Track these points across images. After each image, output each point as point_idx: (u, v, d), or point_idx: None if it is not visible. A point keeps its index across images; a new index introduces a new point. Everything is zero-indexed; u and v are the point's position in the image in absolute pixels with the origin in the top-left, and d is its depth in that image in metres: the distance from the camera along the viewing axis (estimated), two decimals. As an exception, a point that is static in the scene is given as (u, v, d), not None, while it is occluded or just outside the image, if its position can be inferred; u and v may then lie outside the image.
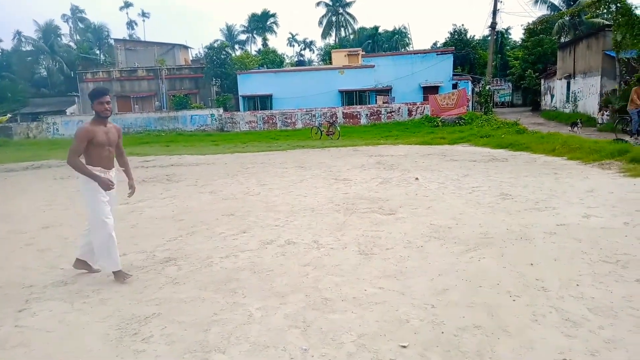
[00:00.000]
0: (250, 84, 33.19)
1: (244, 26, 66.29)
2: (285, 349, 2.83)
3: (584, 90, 25.29)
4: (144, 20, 65.99)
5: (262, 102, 33.36)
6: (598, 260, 4.04)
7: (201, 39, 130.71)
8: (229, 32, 65.18)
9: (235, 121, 30.54)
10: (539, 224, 5.25)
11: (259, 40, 65.92)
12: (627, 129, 12.39)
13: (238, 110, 33.22)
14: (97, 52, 53.28)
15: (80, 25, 58.10)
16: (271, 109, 32.23)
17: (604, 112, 20.58)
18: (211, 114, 30.99)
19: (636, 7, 18.17)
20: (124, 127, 31.13)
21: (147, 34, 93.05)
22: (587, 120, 21.36)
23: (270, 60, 45.09)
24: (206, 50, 38.41)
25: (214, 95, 37.04)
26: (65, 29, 57.55)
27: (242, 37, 66.94)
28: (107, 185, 4.04)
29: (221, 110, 31.35)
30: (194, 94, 36.28)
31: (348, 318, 3.20)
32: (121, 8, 63.77)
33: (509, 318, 3.08)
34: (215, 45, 39.17)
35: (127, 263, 4.60)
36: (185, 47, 44.13)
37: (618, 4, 18.25)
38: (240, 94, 33.35)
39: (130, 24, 64.81)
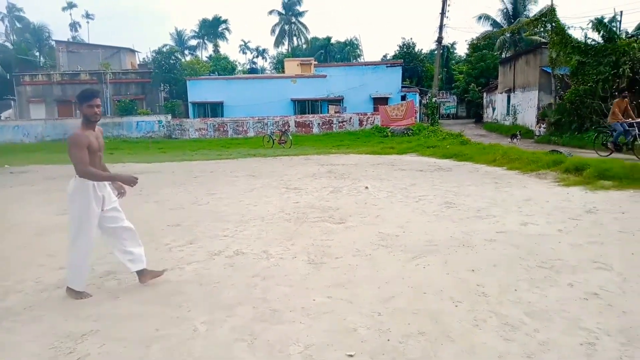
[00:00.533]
0: (200, 91, 32.60)
1: (195, 31, 65.16)
2: (230, 363, 2.76)
3: (523, 103, 26.80)
4: (88, 22, 63.46)
5: (213, 109, 32.83)
6: (535, 265, 4.25)
7: (149, 43, 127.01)
8: (179, 37, 63.86)
9: (184, 128, 29.84)
10: (480, 231, 5.47)
11: (210, 46, 65.06)
12: (609, 142, 12.78)
13: (187, 117, 32.49)
14: (37, 54, 50.47)
15: (18, 24, 54.90)
16: (222, 116, 31.77)
17: (541, 124, 21.88)
18: (159, 121, 30.11)
19: (569, 27, 19.56)
20: (64, 133, 29.64)
21: (91, 36, 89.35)
22: (526, 133, 22.62)
23: (222, 67, 44.55)
24: (154, 54, 37.34)
25: (162, 101, 36.03)
26: (0, 27, 54.23)
27: (193, 42, 65.79)
28: (131, 181, 3.87)
29: (169, 116, 30.53)
30: (141, 100, 35.14)
31: (296, 329, 3.17)
32: (64, 9, 61.07)
33: (452, 323, 3.17)
34: (164, 49, 38.20)
35: (63, 277, 4.34)
36: (132, 51, 42.73)
37: (553, 24, 19.58)
38: (189, 100, 32.67)
39: (74, 26, 62.09)
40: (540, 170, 9.89)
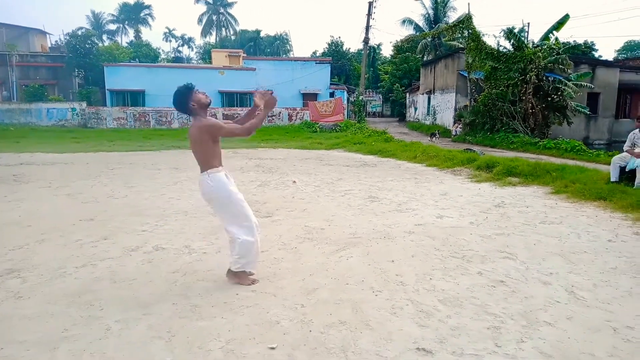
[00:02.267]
0: (119, 78, 30.73)
1: (114, 15, 61.25)
2: (146, 362, 2.64)
3: (442, 104, 28.30)
4: (-11, -3, 57.11)
5: (133, 97, 31.10)
6: (448, 255, 4.52)
7: (62, 25, 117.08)
8: (96, 20, 59.66)
9: (101, 117, 27.97)
10: (400, 223, 5.71)
11: (131, 32, 61.43)
12: None
13: (105, 105, 30.50)
14: None
15: None
16: (143, 105, 30.20)
17: (458, 125, 23.24)
18: (72, 108, 27.95)
19: (484, 35, 20.89)
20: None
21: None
22: (444, 132, 23.93)
23: (144, 54, 42.34)
24: (68, 37, 34.52)
25: (76, 87, 33.50)
26: None
27: (112, 27, 61.82)
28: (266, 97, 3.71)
29: (84, 104, 28.45)
30: (52, 85, 32.40)
31: (217, 324, 3.11)
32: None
33: (371, 312, 3.27)
34: (79, 33, 35.49)
35: (-46, 277, 3.91)
36: (43, 33, 39.28)
37: (469, 31, 20.82)
38: (107, 87, 30.68)
39: (-29, -1, 55.59)
40: (455, 167, 10.52)
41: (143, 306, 3.39)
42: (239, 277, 3.80)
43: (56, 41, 42.17)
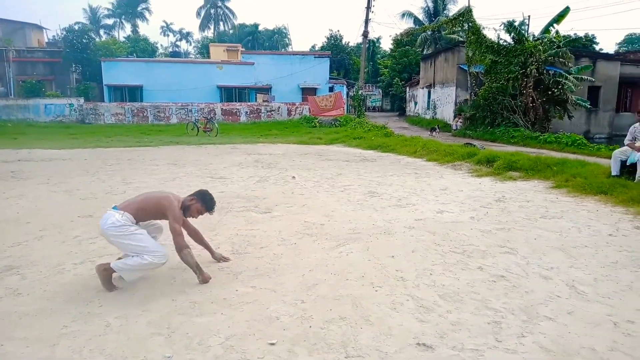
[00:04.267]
0: (117, 73, 30.60)
1: (110, 10, 60.90)
2: (146, 358, 2.63)
3: (442, 99, 28.23)
4: (-15, -8, 56.75)
5: (131, 93, 30.99)
6: (449, 250, 4.50)
7: (59, 20, 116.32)
8: (93, 15, 59.31)
9: (99, 113, 27.87)
10: (401, 219, 5.69)
11: (128, 26, 61.22)
12: None
13: (102, 101, 30.39)
14: None
15: None
16: (141, 101, 30.08)
17: (458, 119, 23.18)
18: (70, 104, 27.82)
19: (484, 28, 20.79)
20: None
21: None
22: (444, 126, 23.88)
23: (141, 49, 42.26)
24: (65, 32, 34.33)
25: (73, 83, 33.37)
26: None
27: (109, 21, 61.48)
28: None
29: (82, 100, 28.33)
30: (49, 81, 32.27)
31: (217, 320, 3.10)
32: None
33: (372, 307, 3.26)
34: (76, 27, 35.31)
35: (-47, 274, 3.89)
36: (39, 28, 39.07)
37: (470, 24, 20.72)
38: (105, 83, 30.55)
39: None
40: (456, 161, 10.49)
41: (142, 302, 3.38)
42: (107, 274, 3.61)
43: (53, 36, 42.11)
